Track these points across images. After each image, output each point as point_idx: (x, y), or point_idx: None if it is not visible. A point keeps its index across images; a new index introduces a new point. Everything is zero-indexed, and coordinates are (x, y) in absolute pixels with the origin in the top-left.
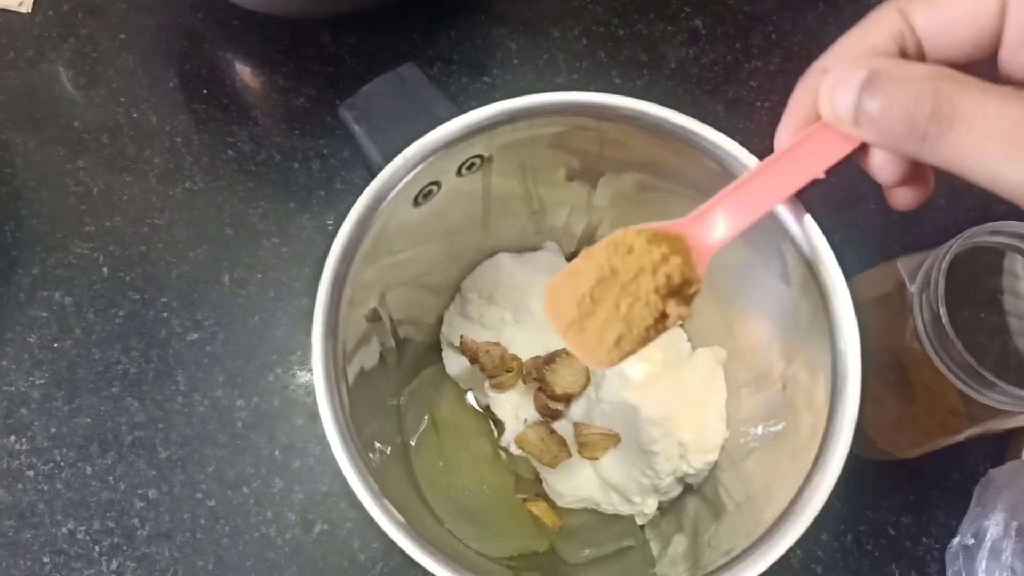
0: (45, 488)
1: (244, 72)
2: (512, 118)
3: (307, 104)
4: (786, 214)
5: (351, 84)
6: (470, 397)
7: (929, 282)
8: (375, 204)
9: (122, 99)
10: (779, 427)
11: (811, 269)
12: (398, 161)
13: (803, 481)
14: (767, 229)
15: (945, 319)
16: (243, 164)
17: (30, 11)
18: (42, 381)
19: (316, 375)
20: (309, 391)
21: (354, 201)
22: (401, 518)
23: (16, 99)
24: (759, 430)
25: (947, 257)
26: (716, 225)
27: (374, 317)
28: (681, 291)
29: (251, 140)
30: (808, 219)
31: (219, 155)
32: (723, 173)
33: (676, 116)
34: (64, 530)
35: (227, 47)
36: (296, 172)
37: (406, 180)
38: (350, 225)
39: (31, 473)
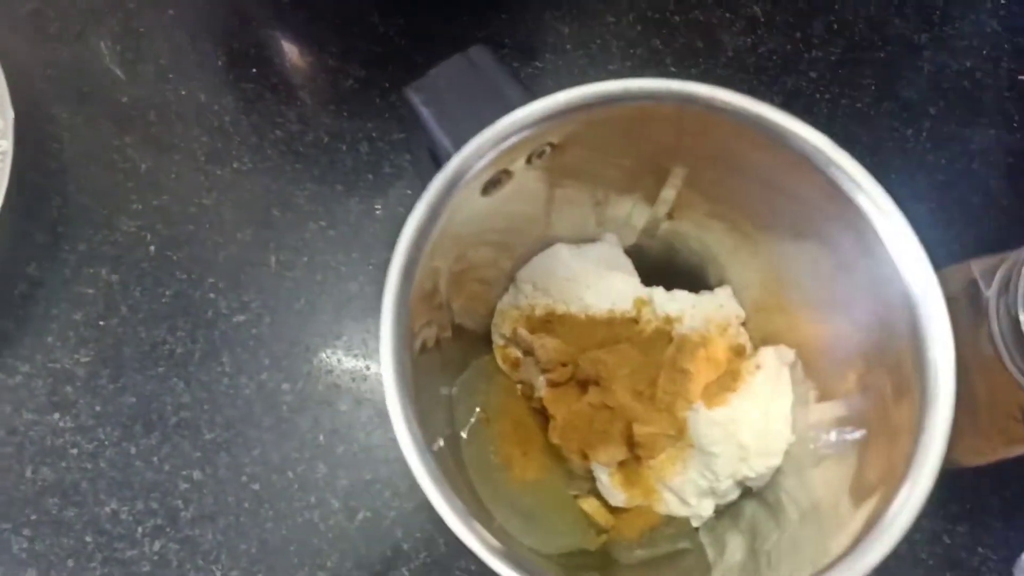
0: (89, 467)
1: (292, 52)
2: (588, 105)
3: (355, 85)
4: (877, 215)
5: (400, 66)
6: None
7: (1008, 285)
8: (447, 191)
9: (170, 76)
10: (857, 435)
11: (899, 271)
12: (470, 147)
13: (879, 508)
14: (850, 226)
15: None
16: (291, 145)
17: None
18: (87, 359)
19: (384, 367)
20: (354, 376)
21: (403, 186)
22: (470, 518)
23: (63, 73)
24: (832, 436)
25: None
26: None
27: (437, 305)
28: None
29: (299, 121)
30: (902, 220)
31: (267, 135)
32: (802, 163)
33: (765, 108)
34: (107, 510)
35: (276, 26)
36: (344, 154)
37: (478, 168)
38: (422, 211)
39: (75, 451)
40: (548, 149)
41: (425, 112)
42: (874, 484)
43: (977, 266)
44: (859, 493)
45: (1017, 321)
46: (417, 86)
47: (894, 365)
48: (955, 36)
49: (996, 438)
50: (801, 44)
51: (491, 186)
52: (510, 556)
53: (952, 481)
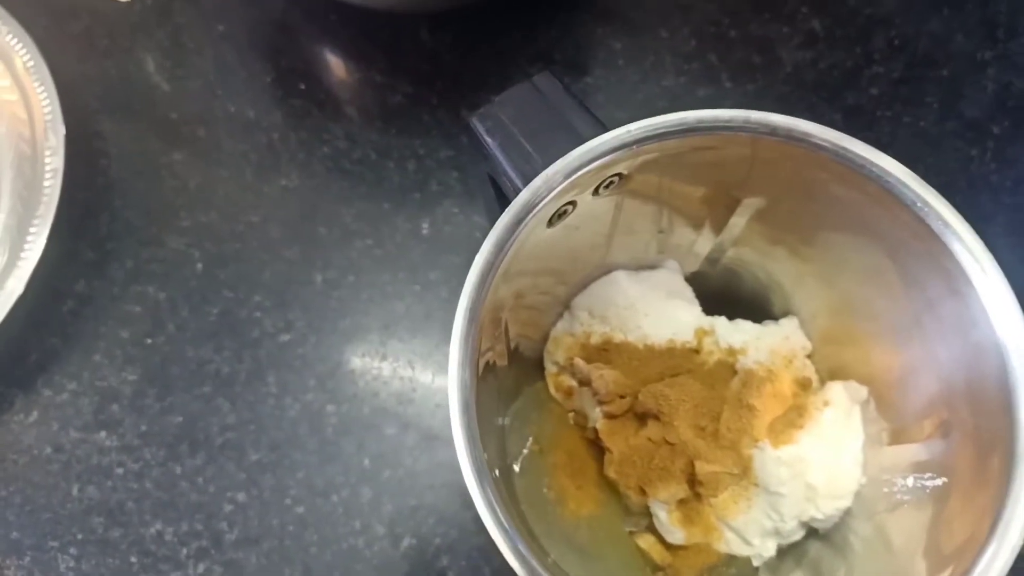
0: (135, 487)
1: (340, 68)
2: (662, 135)
3: (403, 101)
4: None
5: (449, 83)
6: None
7: None
8: (514, 225)
9: (219, 92)
10: (937, 482)
11: (989, 317)
12: (539, 181)
13: (960, 568)
14: (937, 265)
15: None
16: (338, 162)
17: (127, 0)
18: (134, 377)
19: (451, 386)
20: (400, 400)
21: (450, 205)
22: (524, 546)
23: (112, 89)
24: (909, 482)
25: None
26: None
27: (497, 336)
28: None
29: (346, 137)
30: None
31: (315, 152)
32: (885, 197)
33: (849, 141)
34: (152, 530)
35: (324, 42)
36: (391, 172)
37: (546, 200)
38: (491, 245)
39: (120, 471)
40: (617, 179)
41: (491, 141)
42: (956, 539)
43: None
44: (938, 549)
45: None
46: (482, 114)
47: (981, 412)
48: (1020, 53)
49: None
50: (862, 60)
51: (557, 218)
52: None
53: None
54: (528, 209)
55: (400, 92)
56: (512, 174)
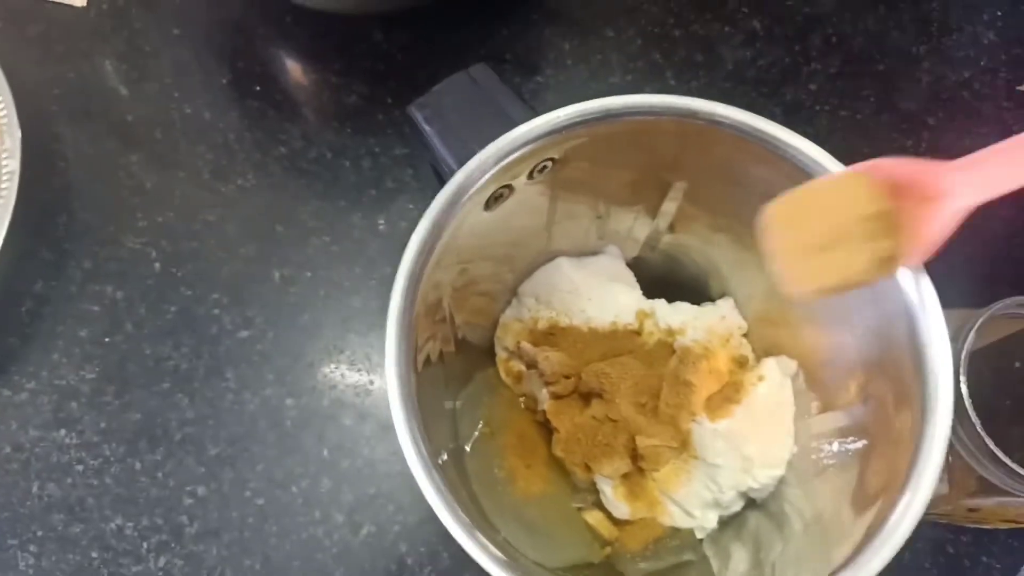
0: (94, 483)
1: (296, 69)
2: (589, 120)
3: (359, 102)
4: None
5: (403, 82)
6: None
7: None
8: (450, 206)
9: (175, 94)
10: (859, 444)
11: (898, 282)
12: (473, 163)
13: (880, 516)
14: None
15: (964, 388)
16: (294, 161)
17: (84, 5)
18: (92, 375)
19: (389, 380)
20: (358, 391)
21: (405, 201)
22: (474, 530)
23: (69, 93)
24: (834, 446)
25: (979, 320)
26: (975, 184)
27: (440, 319)
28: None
29: (302, 137)
30: None
31: (270, 152)
32: (799, 175)
33: (761, 121)
34: (112, 525)
35: (280, 44)
36: (347, 170)
37: (480, 183)
38: (425, 226)
39: (80, 468)
40: (550, 164)
41: (428, 129)
42: (876, 493)
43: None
44: (861, 502)
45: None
46: (420, 103)
47: (894, 375)
48: (953, 47)
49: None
50: (800, 57)
51: (493, 201)
52: (514, 567)
53: None
54: (463, 191)
55: (355, 92)
56: (449, 160)
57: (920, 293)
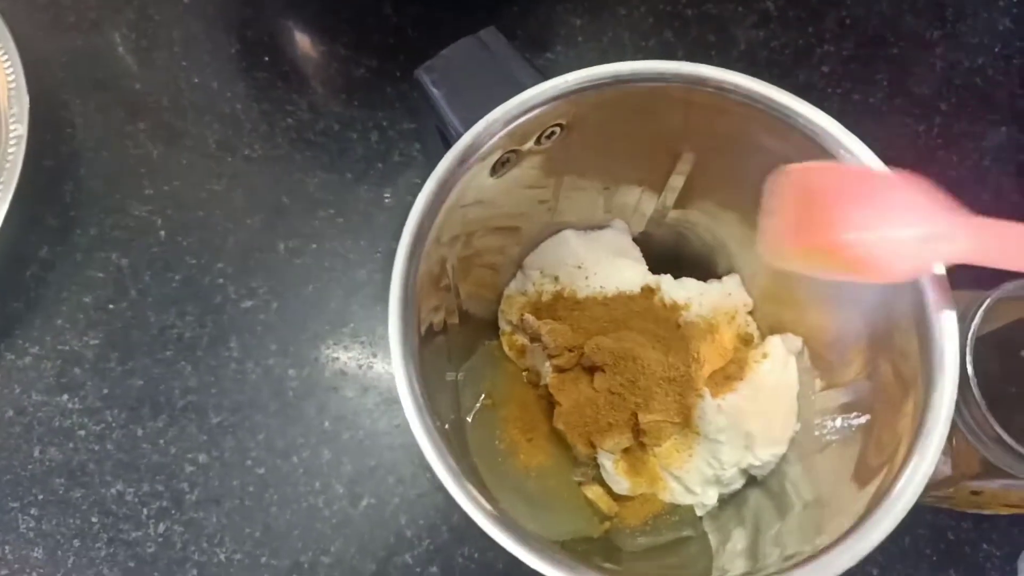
0: (96, 448)
1: (305, 41)
2: (599, 85)
3: (367, 75)
4: None
5: (412, 56)
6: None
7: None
8: (456, 167)
9: (183, 63)
10: (861, 420)
11: None
12: (480, 125)
13: (882, 489)
14: None
15: (970, 369)
16: (301, 133)
17: None
18: (96, 342)
19: (392, 345)
20: (360, 364)
21: (412, 175)
22: (480, 497)
23: (77, 61)
24: (838, 423)
25: (986, 301)
26: (981, 247)
27: (444, 287)
28: None
29: (310, 109)
30: None
31: (278, 123)
32: (815, 149)
33: (771, 89)
34: (113, 491)
35: (289, 15)
36: (354, 143)
37: (487, 146)
38: (432, 187)
39: (82, 432)
40: (558, 130)
41: (436, 92)
42: (878, 467)
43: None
44: (862, 476)
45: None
46: (428, 67)
47: (899, 352)
48: (967, 33)
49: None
50: (813, 39)
51: (500, 166)
52: (507, 523)
53: None
54: (469, 153)
55: (364, 65)
56: (456, 123)
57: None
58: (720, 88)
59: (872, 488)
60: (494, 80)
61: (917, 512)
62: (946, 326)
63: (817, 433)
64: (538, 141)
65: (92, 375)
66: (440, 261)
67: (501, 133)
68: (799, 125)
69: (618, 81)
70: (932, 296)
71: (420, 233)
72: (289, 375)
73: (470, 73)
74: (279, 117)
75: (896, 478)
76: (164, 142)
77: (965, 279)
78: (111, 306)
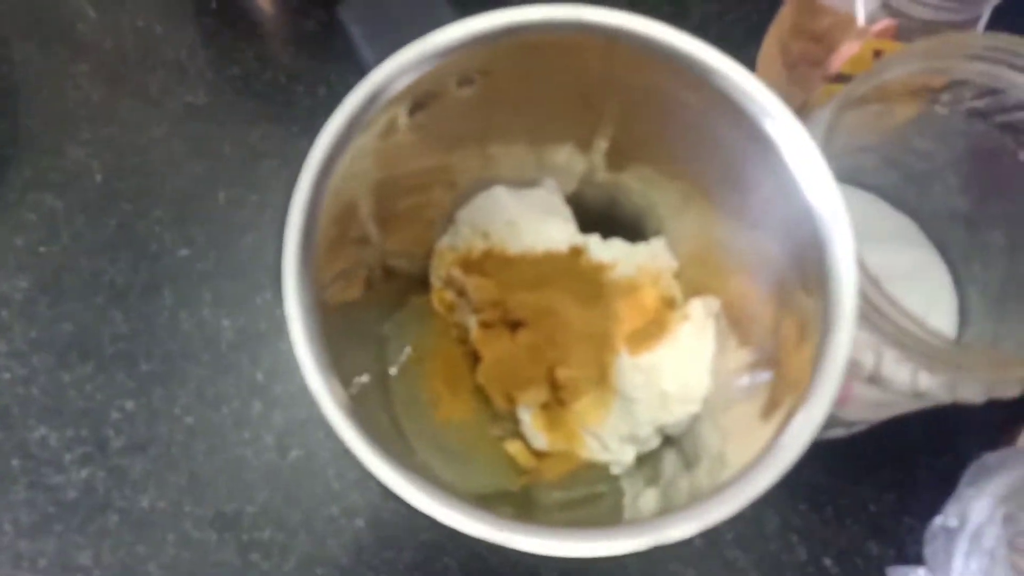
0: (20, 392)
1: None
2: (514, 29)
3: (317, 28)
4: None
5: None
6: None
7: None
8: (366, 106)
9: (127, 5)
10: (766, 376)
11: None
12: (391, 63)
13: (779, 429)
14: (770, 169)
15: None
16: (247, 82)
17: None
18: (25, 284)
19: (287, 293)
20: None
21: None
22: (378, 449)
23: None
24: (745, 380)
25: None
26: None
27: (361, 240)
28: None
29: (257, 59)
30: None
31: (223, 71)
32: (732, 108)
33: (692, 43)
34: (36, 435)
35: None
36: (301, 96)
37: (400, 85)
38: (339, 121)
39: (7, 376)
40: (479, 76)
41: (355, 30)
42: (777, 414)
43: None
44: (764, 425)
45: None
46: (349, 3)
47: (802, 303)
48: None
49: None
50: (768, 15)
51: (417, 108)
52: (424, 485)
53: (882, 449)
54: (381, 90)
55: (315, 19)
56: (373, 62)
57: (827, 205)
58: (643, 40)
59: (771, 430)
60: (414, 20)
61: (840, 483)
62: (845, 263)
63: (726, 391)
64: (459, 85)
65: (20, 318)
66: (351, 207)
67: (415, 73)
68: (715, 81)
69: (534, 28)
70: (833, 249)
71: (324, 170)
72: (223, 325)
73: (390, 11)
74: (224, 65)
75: (792, 418)
76: (105, 85)
77: None
78: (42, 249)
